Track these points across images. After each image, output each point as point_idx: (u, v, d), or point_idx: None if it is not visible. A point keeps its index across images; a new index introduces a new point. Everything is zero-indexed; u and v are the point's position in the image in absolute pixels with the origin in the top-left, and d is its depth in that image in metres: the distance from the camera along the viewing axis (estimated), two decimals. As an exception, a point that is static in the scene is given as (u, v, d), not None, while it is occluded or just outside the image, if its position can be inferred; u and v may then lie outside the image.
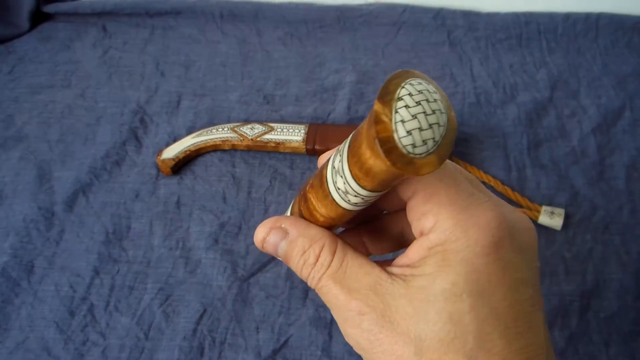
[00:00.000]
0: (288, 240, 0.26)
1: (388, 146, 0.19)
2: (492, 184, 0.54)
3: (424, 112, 0.19)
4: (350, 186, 0.23)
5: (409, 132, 0.19)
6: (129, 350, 0.47)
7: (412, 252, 0.24)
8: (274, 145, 0.56)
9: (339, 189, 0.24)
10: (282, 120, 0.60)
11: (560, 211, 0.52)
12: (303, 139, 0.56)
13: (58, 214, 0.54)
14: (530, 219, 0.51)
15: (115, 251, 0.52)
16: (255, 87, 0.64)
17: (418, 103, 0.19)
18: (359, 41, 0.68)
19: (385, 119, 0.19)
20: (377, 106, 0.19)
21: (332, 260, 0.25)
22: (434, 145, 0.20)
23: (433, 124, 0.20)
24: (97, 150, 0.58)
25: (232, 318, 0.48)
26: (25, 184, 0.56)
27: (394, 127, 0.19)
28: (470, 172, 0.55)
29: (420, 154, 0.19)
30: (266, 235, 0.27)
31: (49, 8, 0.70)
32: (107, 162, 0.57)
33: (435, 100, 0.20)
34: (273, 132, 0.57)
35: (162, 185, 0.56)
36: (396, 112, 0.19)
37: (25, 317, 0.49)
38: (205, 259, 0.51)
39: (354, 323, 0.24)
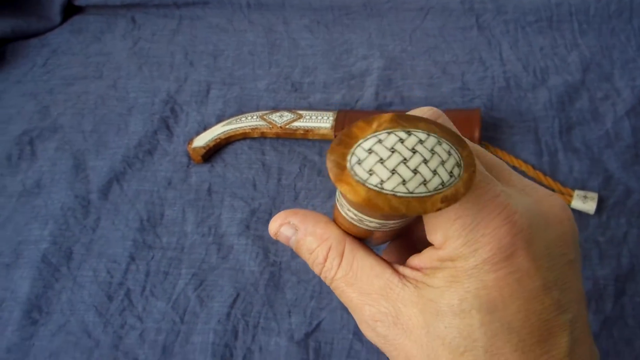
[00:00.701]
0: (296, 238, 0.26)
1: (341, 175, 0.19)
2: (523, 168, 0.54)
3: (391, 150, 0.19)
4: (360, 216, 0.22)
5: (361, 161, 0.19)
6: (165, 333, 0.48)
7: (425, 258, 0.23)
8: (302, 132, 0.57)
9: (352, 218, 0.23)
10: (311, 108, 0.61)
11: (594, 195, 0.51)
12: (332, 126, 0.56)
13: (94, 202, 0.56)
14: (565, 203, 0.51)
15: (149, 238, 0.53)
16: (283, 75, 0.64)
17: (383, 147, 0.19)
18: (385, 27, 0.68)
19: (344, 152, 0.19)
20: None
21: (340, 262, 0.25)
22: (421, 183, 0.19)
23: (405, 159, 0.19)
24: (130, 140, 0.60)
25: (265, 302, 0.49)
26: (62, 173, 0.58)
27: (349, 156, 0.19)
28: (500, 157, 0.55)
29: (395, 191, 0.18)
30: (277, 230, 0.27)
31: (80, 1, 0.71)
32: (140, 151, 0.59)
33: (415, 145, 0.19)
34: (302, 120, 0.57)
35: (193, 173, 0.57)
36: (356, 148, 0.19)
37: (66, 301, 0.50)
38: (237, 245, 0.52)
39: (369, 327, 0.24)
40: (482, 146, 0.55)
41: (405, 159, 0.19)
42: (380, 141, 0.19)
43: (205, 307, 0.49)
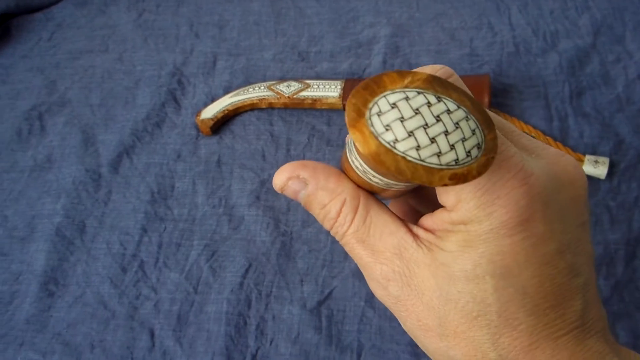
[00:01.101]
0: (307, 192, 0.25)
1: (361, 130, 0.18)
2: (533, 134, 0.54)
3: (412, 111, 0.18)
4: (364, 167, 0.21)
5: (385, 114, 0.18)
6: (180, 303, 0.49)
7: (437, 219, 0.23)
8: (310, 102, 0.56)
9: (357, 167, 0.22)
10: (318, 77, 0.60)
11: (605, 160, 0.51)
12: (340, 95, 0.56)
13: (105, 175, 0.56)
14: (574, 168, 0.51)
15: (161, 210, 0.54)
16: (290, 44, 0.63)
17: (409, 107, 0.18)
18: (392, -7, 0.67)
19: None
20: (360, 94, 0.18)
21: (354, 217, 0.24)
22: (436, 152, 0.18)
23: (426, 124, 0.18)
24: (138, 113, 0.60)
25: (277, 272, 0.50)
26: (72, 147, 0.58)
27: (368, 112, 0.18)
28: (511, 123, 0.54)
29: (410, 154, 0.18)
30: (284, 184, 0.25)
31: (82, -27, 0.70)
32: (148, 124, 0.59)
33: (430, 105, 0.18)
34: (309, 89, 0.57)
35: (202, 145, 0.57)
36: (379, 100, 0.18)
37: (81, 273, 0.51)
38: (248, 216, 0.52)
39: (380, 286, 0.24)
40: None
41: (426, 124, 0.18)
42: (407, 98, 0.18)
43: (218, 277, 0.50)
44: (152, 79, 0.62)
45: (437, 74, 0.22)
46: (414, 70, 0.19)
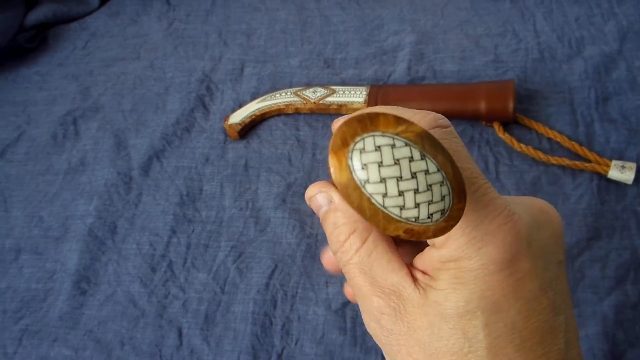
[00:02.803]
0: (328, 208, 0.25)
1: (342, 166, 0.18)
2: (558, 139, 0.54)
3: (381, 163, 0.18)
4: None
5: (364, 167, 0.18)
6: (207, 303, 0.50)
7: (427, 259, 0.23)
8: (336, 107, 0.57)
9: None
10: (343, 83, 0.61)
11: (632, 165, 0.50)
12: (365, 100, 0.57)
13: (135, 178, 0.58)
14: (600, 173, 0.50)
15: (189, 212, 0.55)
16: (316, 52, 0.65)
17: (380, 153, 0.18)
18: (417, 1, 0.68)
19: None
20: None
21: (360, 247, 0.24)
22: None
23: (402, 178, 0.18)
24: (168, 118, 0.61)
25: (303, 273, 0.50)
26: (104, 151, 0.60)
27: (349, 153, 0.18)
28: (535, 129, 0.54)
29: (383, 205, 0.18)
30: (314, 194, 0.26)
31: (116, -16, 0.73)
32: (178, 128, 0.60)
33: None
34: (335, 95, 0.58)
35: (230, 149, 0.58)
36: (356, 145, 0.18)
37: (112, 273, 0.53)
38: (274, 218, 0.53)
39: (374, 317, 0.24)
40: (516, 118, 0.55)
41: (401, 177, 0.18)
42: (393, 146, 0.18)
43: (244, 278, 0.51)
44: (181, 86, 0.64)
45: (437, 123, 0.22)
46: (412, 120, 0.19)
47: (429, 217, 0.18)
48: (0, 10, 0.66)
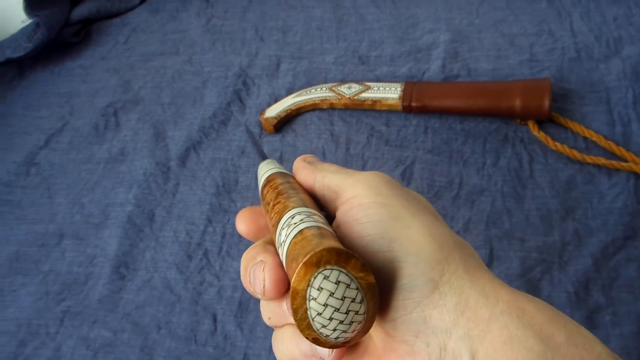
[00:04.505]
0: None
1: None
2: (594, 139, 0.53)
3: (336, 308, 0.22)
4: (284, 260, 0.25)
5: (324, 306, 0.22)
6: (241, 291, 0.51)
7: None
8: (370, 103, 0.58)
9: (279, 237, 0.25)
10: (378, 80, 0.62)
11: (670, 165, 0.50)
12: (399, 97, 0.57)
13: (173, 168, 0.59)
14: (637, 173, 0.50)
15: (225, 202, 0.56)
16: (351, 49, 0.65)
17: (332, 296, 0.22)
18: (452, 0, 0.68)
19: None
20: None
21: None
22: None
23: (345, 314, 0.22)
24: (205, 111, 0.63)
25: (335, 264, 0.51)
26: (144, 142, 0.62)
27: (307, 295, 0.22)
28: (571, 127, 0.54)
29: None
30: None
31: (157, -18, 0.75)
32: (215, 121, 0.62)
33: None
34: (370, 91, 0.58)
35: (265, 143, 0.60)
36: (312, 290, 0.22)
37: (150, 259, 0.54)
38: (307, 210, 0.54)
39: None
40: (551, 117, 0.55)
41: (337, 309, 0.22)
42: (348, 286, 0.22)
43: (277, 268, 0.52)
44: (219, 80, 0.65)
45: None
46: (366, 269, 0.22)
47: (335, 338, 0.22)
48: (47, 5, 0.68)
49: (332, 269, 0.21)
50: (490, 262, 0.49)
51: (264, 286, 0.25)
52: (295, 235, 0.23)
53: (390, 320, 0.24)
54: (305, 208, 0.26)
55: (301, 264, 0.21)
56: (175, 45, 0.70)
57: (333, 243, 0.22)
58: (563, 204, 0.50)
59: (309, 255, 0.21)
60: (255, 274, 0.26)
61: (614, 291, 0.45)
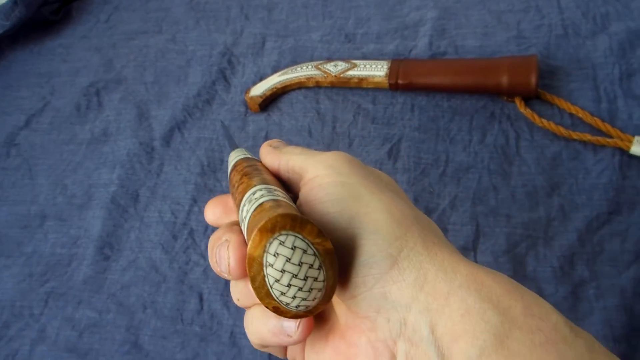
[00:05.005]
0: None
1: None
2: (580, 115, 0.53)
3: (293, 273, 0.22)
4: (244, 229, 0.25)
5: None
6: (227, 270, 0.51)
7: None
8: (357, 81, 0.57)
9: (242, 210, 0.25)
10: (365, 58, 0.61)
11: (654, 141, 0.50)
12: (386, 74, 0.57)
13: (157, 148, 0.59)
14: (622, 149, 0.50)
15: (210, 182, 0.56)
16: (337, 26, 0.65)
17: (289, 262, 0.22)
18: (439, -23, 0.67)
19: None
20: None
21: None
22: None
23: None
24: (189, 90, 0.62)
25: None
26: (127, 122, 0.61)
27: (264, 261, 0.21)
28: (558, 104, 0.54)
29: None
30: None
31: (139, -42, 0.73)
32: (199, 100, 0.61)
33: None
34: (356, 69, 0.58)
35: (250, 122, 0.59)
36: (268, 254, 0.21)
37: (134, 239, 0.54)
38: (294, 189, 0.54)
39: None
40: (538, 94, 0.54)
41: (295, 275, 0.22)
42: (305, 251, 0.21)
43: (264, 247, 0.52)
44: (203, 59, 0.64)
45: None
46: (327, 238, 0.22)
47: (296, 307, 0.22)
48: (25, -18, 0.67)
49: (288, 234, 0.21)
50: (476, 238, 0.49)
51: (228, 264, 0.25)
52: (254, 209, 0.23)
53: (351, 297, 0.24)
54: (266, 185, 0.26)
55: (256, 230, 0.21)
56: (158, 23, 0.69)
57: (288, 210, 0.22)
58: (549, 180, 0.50)
59: (263, 221, 0.21)
60: (221, 253, 0.25)
61: (597, 265, 0.46)
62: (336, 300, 0.25)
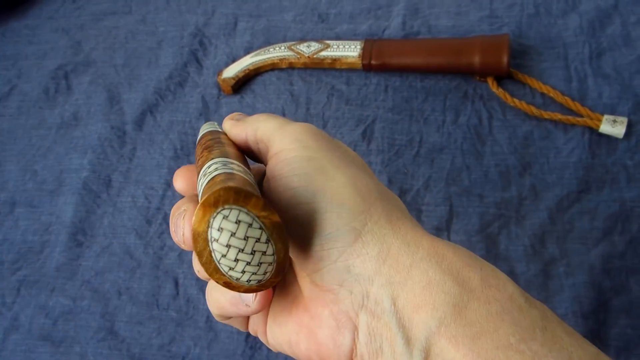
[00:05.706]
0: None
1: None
2: (551, 94, 0.54)
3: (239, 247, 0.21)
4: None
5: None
6: (203, 254, 0.51)
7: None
8: (330, 61, 0.57)
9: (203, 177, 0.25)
10: (338, 38, 0.61)
11: (623, 119, 0.51)
12: (359, 55, 0.56)
13: (129, 132, 0.58)
14: (592, 128, 0.51)
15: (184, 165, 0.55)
16: (310, 6, 0.64)
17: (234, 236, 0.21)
18: (413, -44, 0.67)
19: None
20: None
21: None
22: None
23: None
24: (161, 73, 0.61)
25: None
26: (97, 105, 0.60)
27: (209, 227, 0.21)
28: (529, 84, 0.55)
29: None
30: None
31: (105, -64, 0.71)
32: (171, 83, 0.60)
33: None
34: (329, 49, 0.57)
35: (223, 104, 0.58)
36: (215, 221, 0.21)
37: (108, 225, 0.53)
38: (268, 172, 0.54)
39: None
40: (510, 73, 0.55)
41: (242, 250, 0.21)
42: (250, 225, 0.21)
43: (239, 230, 0.52)
44: (174, 40, 0.63)
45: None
46: (274, 210, 0.21)
47: (247, 281, 0.22)
48: (-14, -39, 0.64)
49: (232, 208, 0.21)
50: (450, 218, 0.49)
51: (183, 234, 0.25)
52: (207, 183, 0.23)
53: (315, 270, 0.24)
54: (223, 158, 0.25)
55: (199, 205, 0.21)
56: (127, 3, 0.67)
57: (232, 183, 0.21)
58: (521, 160, 0.51)
59: (206, 196, 0.20)
60: (177, 223, 0.25)
61: (567, 243, 0.47)
62: (300, 273, 0.26)
